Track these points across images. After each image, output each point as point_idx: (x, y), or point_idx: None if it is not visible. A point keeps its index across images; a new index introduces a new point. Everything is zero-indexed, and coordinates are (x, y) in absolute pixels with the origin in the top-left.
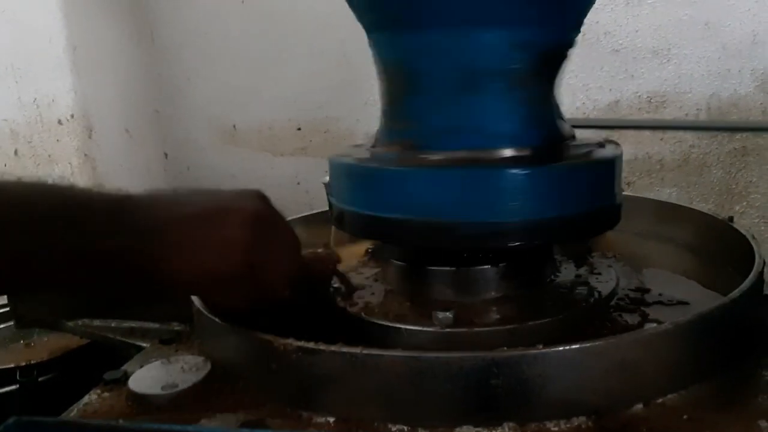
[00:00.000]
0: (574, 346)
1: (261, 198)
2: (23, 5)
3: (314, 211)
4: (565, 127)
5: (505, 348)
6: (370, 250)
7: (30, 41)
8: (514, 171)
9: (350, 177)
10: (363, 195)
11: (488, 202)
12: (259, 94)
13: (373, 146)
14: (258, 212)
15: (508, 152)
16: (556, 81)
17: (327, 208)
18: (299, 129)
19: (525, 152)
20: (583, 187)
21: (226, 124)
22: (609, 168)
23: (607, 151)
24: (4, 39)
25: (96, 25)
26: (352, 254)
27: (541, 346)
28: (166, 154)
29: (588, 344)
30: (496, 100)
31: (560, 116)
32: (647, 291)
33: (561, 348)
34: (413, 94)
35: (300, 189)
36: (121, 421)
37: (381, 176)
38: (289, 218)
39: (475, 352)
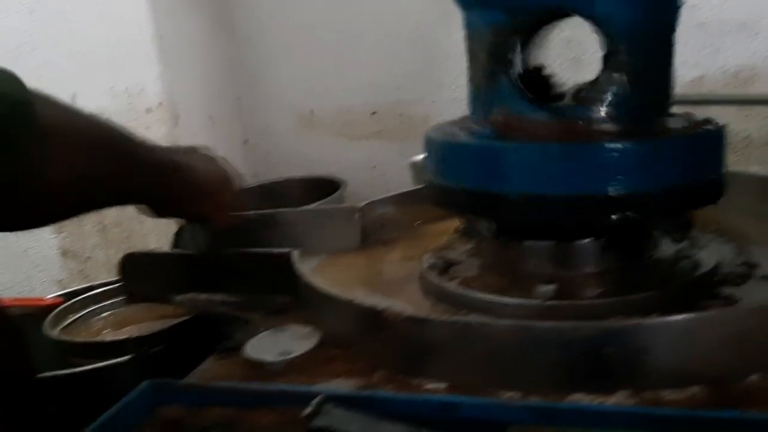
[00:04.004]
0: (690, 316)
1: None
2: None
3: (406, 190)
4: (669, 101)
5: (620, 317)
6: (461, 228)
7: (121, 32)
8: (618, 144)
9: (454, 153)
10: (467, 170)
11: (592, 176)
12: (336, 80)
13: (471, 122)
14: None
15: (613, 126)
16: (662, 55)
17: (405, 189)
18: (374, 113)
19: (630, 126)
20: (688, 159)
21: (304, 109)
22: (713, 141)
23: (711, 125)
24: (99, 32)
25: (180, 15)
26: (443, 231)
27: (656, 316)
28: (246, 141)
29: (704, 314)
30: (601, 72)
31: (666, 90)
32: (754, 266)
33: (677, 318)
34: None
35: (376, 172)
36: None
37: (486, 151)
38: (381, 197)
39: (589, 321)
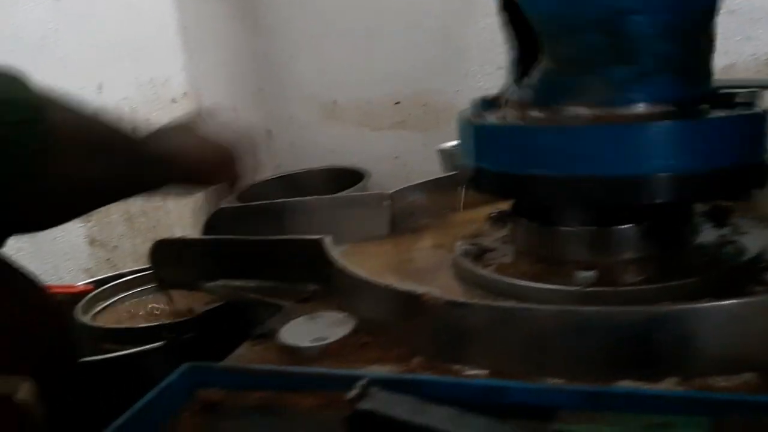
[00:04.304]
0: (740, 301)
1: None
2: None
3: (435, 177)
4: (712, 83)
5: (670, 302)
6: (493, 215)
7: (145, 23)
8: (662, 125)
9: (493, 136)
10: (507, 154)
11: (634, 157)
12: (359, 70)
13: (508, 105)
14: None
15: (655, 107)
16: (705, 36)
17: (428, 178)
18: (398, 103)
19: (673, 107)
20: (732, 141)
21: (327, 100)
22: (758, 123)
23: (756, 107)
24: (124, 23)
25: (203, 6)
26: (474, 219)
27: (707, 300)
28: (269, 131)
29: (755, 299)
30: (646, 53)
31: (709, 71)
32: None
33: (727, 302)
34: (558, 49)
35: (398, 162)
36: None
37: (528, 134)
38: (411, 184)
39: (638, 306)
